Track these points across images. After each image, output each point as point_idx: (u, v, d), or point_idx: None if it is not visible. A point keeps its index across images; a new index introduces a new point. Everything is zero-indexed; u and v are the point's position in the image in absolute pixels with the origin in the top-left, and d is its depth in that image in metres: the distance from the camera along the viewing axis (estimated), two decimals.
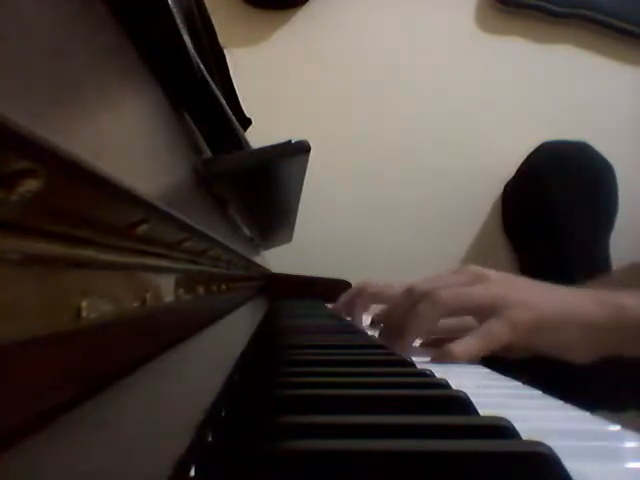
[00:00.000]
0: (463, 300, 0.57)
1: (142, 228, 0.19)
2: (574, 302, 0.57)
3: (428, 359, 0.55)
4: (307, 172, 0.53)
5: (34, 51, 0.12)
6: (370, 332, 0.72)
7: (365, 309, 0.86)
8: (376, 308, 0.82)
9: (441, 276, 0.62)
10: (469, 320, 0.59)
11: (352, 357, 0.49)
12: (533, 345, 0.56)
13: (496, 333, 0.55)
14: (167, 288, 0.28)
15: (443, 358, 0.53)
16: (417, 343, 0.64)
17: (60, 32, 0.14)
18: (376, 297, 0.83)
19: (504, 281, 0.60)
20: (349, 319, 0.86)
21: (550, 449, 0.22)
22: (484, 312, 0.56)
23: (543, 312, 0.56)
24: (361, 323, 0.83)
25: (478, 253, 1.56)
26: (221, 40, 0.57)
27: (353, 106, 1.55)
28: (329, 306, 1.06)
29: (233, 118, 0.43)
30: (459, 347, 0.54)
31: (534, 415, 0.34)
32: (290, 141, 0.39)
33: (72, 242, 0.15)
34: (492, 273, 0.60)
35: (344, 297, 0.91)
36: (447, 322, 0.60)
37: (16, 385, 0.13)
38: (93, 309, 0.16)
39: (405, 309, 0.59)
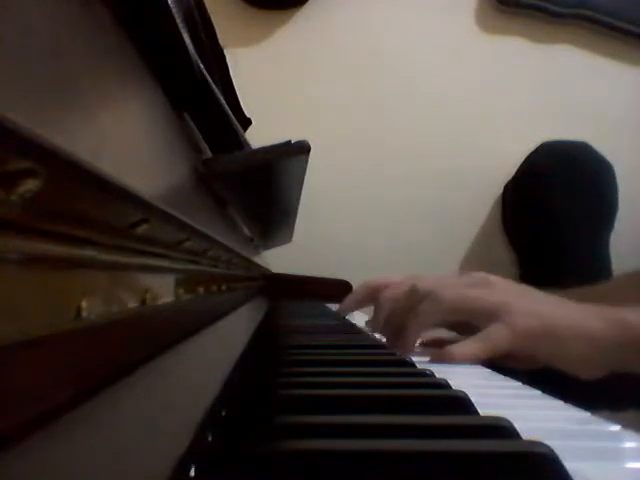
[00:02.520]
0: (466, 302, 0.57)
1: (142, 228, 0.19)
2: (578, 316, 0.56)
3: (428, 359, 0.55)
4: (307, 172, 0.53)
5: (34, 51, 0.12)
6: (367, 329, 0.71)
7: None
8: None
9: (445, 278, 0.63)
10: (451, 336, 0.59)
11: (352, 357, 0.49)
12: (536, 356, 0.56)
13: (496, 338, 0.54)
14: (167, 288, 0.28)
15: (442, 359, 0.53)
16: (417, 343, 0.63)
17: (60, 32, 0.14)
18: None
19: (508, 288, 0.59)
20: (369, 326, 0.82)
21: (550, 449, 0.22)
22: (486, 316, 0.55)
23: (545, 321, 0.55)
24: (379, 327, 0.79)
25: (478, 253, 1.56)
26: (221, 40, 0.57)
27: (353, 106, 1.55)
28: (331, 306, 1.06)
29: (233, 118, 0.43)
30: (458, 349, 0.54)
31: (534, 415, 0.34)
32: (290, 141, 0.39)
33: (72, 242, 0.15)
34: (497, 280, 0.60)
35: (352, 298, 0.89)
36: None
37: (16, 385, 0.13)
38: (93, 309, 0.16)
39: (407, 308, 0.59)
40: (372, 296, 0.81)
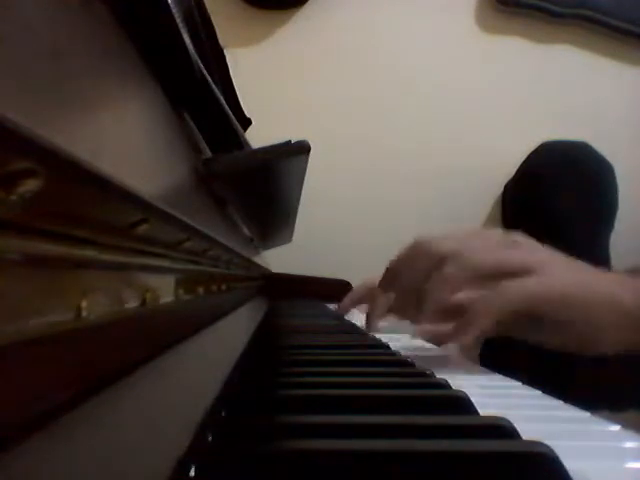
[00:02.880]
0: (503, 265, 0.50)
1: (142, 228, 0.19)
2: (605, 282, 0.53)
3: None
4: (307, 172, 0.53)
5: (34, 51, 0.12)
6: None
7: (382, 316, 0.78)
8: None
9: (462, 237, 0.54)
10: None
11: (352, 357, 0.49)
12: (557, 322, 0.51)
13: (529, 289, 0.49)
14: (167, 288, 0.28)
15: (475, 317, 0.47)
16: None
17: (60, 32, 0.14)
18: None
19: (539, 249, 0.55)
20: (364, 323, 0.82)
21: (550, 449, 0.22)
22: (522, 274, 0.50)
23: (577, 284, 0.52)
24: (376, 327, 0.78)
25: None
26: (221, 40, 0.57)
27: (353, 106, 1.55)
28: (331, 306, 1.06)
29: (233, 118, 0.43)
30: (485, 304, 0.47)
31: (534, 415, 0.34)
32: (290, 141, 0.39)
33: (72, 242, 0.15)
34: (523, 240, 0.55)
35: (350, 298, 0.89)
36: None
37: (16, 385, 0.13)
38: (93, 309, 0.16)
39: (424, 274, 0.51)
40: (371, 295, 0.80)
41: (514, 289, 0.49)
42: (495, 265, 0.50)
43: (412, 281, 0.53)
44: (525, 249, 0.53)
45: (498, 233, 0.56)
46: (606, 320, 0.51)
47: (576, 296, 0.51)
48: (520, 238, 0.55)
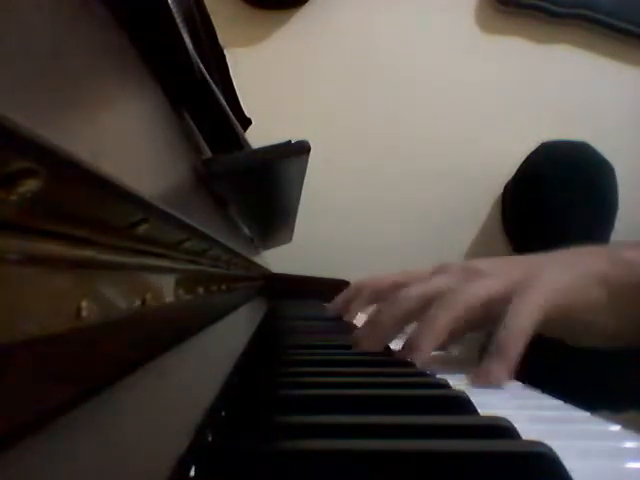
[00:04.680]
0: (479, 299, 0.48)
1: (142, 228, 0.19)
2: (587, 263, 0.52)
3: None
4: (307, 172, 0.53)
5: (34, 51, 0.12)
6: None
7: (362, 310, 0.82)
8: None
9: (430, 279, 0.54)
10: None
11: (352, 357, 0.49)
12: (567, 320, 0.49)
13: (532, 310, 0.46)
14: (167, 288, 0.28)
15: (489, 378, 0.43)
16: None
17: (60, 32, 0.14)
18: (373, 298, 0.81)
19: (502, 265, 0.53)
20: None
21: (550, 449, 0.22)
22: (504, 301, 0.47)
23: (562, 278, 0.50)
24: (353, 316, 0.81)
25: (478, 253, 1.56)
26: (221, 40, 0.57)
27: (353, 106, 1.55)
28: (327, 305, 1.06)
29: (233, 118, 0.43)
30: (511, 337, 0.44)
31: (534, 415, 0.34)
32: (290, 141, 0.39)
33: (72, 242, 0.15)
34: (482, 264, 0.53)
35: (341, 297, 0.90)
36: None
37: (16, 385, 0.13)
38: (93, 309, 0.16)
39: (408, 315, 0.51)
40: (360, 294, 0.81)
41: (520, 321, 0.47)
42: (474, 302, 0.48)
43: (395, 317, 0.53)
44: (491, 273, 0.51)
45: (455, 266, 0.54)
46: (600, 300, 0.50)
47: (568, 288, 0.49)
48: (480, 264, 0.53)
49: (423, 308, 0.50)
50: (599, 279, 0.50)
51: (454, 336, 0.50)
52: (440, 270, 0.56)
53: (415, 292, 0.52)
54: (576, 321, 0.51)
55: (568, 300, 0.50)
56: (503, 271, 0.51)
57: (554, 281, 0.50)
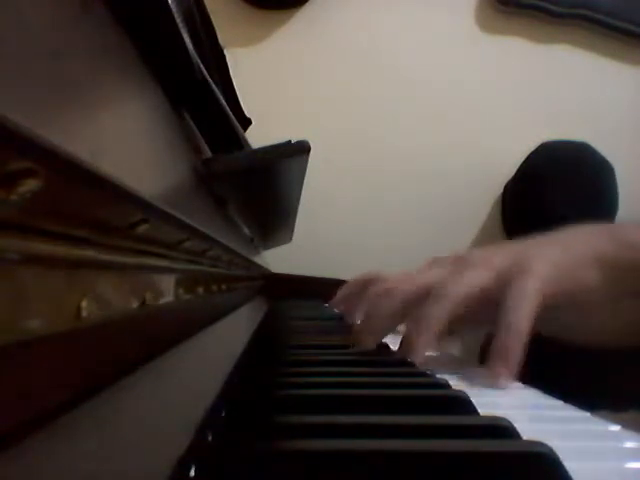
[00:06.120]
0: (471, 289, 0.48)
1: (142, 228, 0.19)
2: (585, 244, 0.51)
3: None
4: (307, 172, 0.53)
5: (34, 51, 0.12)
6: None
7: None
8: None
9: (425, 274, 0.53)
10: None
11: (352, 357, 0.49)
12: (561, 306, 0.48)
13: (530, 295, 0.45)
14: (167, 288, 0.28)
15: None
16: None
17: (60, 32, 0.14)
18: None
19: (493, 255, 0.52)
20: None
21: (550, 449, 0.22)
22: (500, 290, 0.47)
23: (556, 260, 0.49)
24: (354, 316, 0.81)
25: None
26: (221, 40, 0.57)
27: (353, 106, 1.55)
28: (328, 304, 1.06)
29: (233, 118, 0.43)
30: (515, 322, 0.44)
31: (534, 415, 0.34)
32: (290, 141, 0.39)
33: (72, 242, 0.15)
34: (474, 254, 0.53)
35: (342, 292, 0.89)
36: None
37: (16, 385, 0.13)
38: (93, 309, 0.16)
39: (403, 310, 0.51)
40: (360, 290, 0.80)
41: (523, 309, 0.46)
42: (468, 293, 0.48)
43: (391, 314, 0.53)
44: (481, 261, 0.51)
45: (445, 259, 0.54)
46: (595, 279, 0.49)
47: (559, 268, 0.49)
48: (470, 254, 0.53)
49: (418, 301, 0.50)
50: (597, 260, 0.49)
51: (452, 329, 0.50)
52: (433, 264, 0.56)
53: (409, 285, 0.52)
54: (574, 307, 0.49)
55: (564, 283, 0.48)
56: (496, 259, 0.51)
57: (548, 263, 0.48)
